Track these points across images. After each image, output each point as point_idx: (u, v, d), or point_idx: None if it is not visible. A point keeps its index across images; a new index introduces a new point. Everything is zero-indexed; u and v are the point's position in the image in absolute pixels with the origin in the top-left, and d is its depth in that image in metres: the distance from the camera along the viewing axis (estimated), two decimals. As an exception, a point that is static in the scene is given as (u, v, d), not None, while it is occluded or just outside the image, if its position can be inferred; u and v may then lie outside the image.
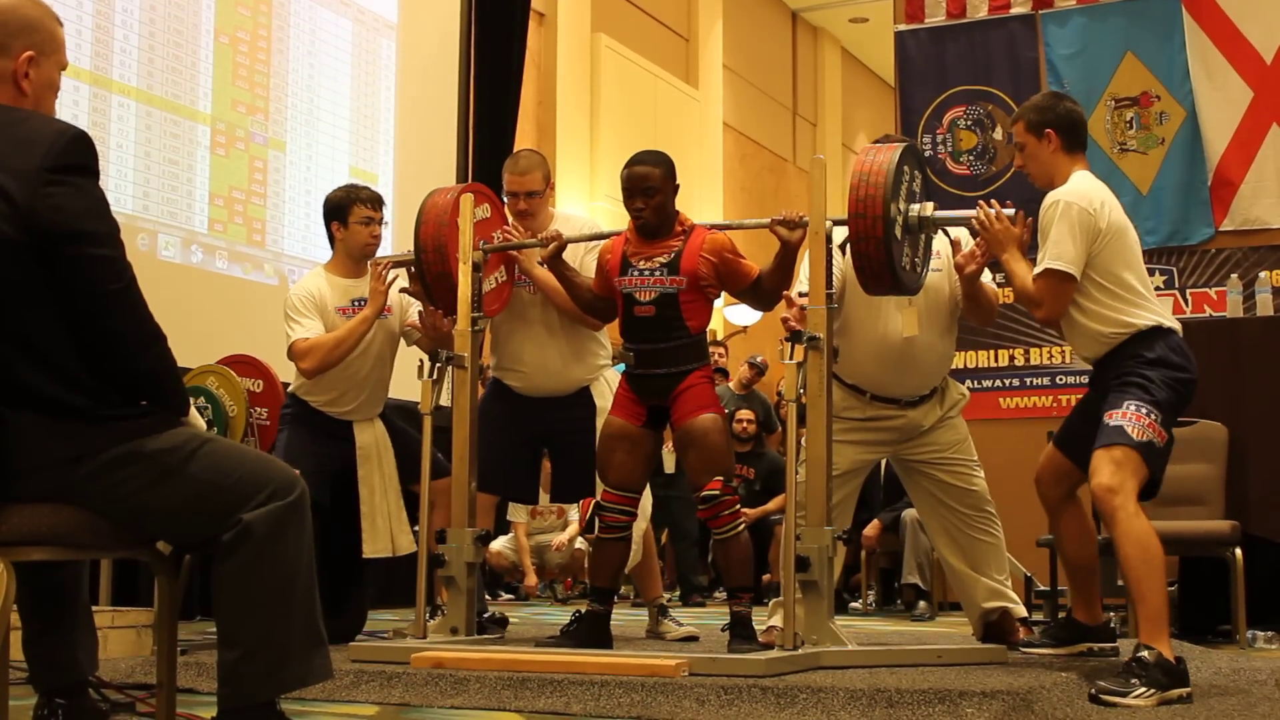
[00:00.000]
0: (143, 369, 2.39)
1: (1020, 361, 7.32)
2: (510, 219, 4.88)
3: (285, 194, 7.37)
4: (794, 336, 3.94)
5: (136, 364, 2.37)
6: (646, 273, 4.22)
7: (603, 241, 4.55)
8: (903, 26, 7.90)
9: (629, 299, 4.25)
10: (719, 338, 12.92)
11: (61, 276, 2.30)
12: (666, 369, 4.22)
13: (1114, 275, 3.77)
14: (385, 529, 4.82)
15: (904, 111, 7.88)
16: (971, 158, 7.62)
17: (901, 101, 7.91)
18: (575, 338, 4.83)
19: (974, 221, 3.99)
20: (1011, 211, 3.96)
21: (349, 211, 4.86)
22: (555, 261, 4.48)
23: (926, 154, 7.71)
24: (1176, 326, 3.80)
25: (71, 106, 6.07)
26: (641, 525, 5.06)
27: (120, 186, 6.35)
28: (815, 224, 4.00)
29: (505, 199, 4.85)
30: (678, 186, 4.32)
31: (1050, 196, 3.80)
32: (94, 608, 3.06)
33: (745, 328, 13.88)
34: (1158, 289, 7.09)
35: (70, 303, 2.31)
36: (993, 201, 4.00)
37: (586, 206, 11.75)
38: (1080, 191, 3.79)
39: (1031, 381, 7.37)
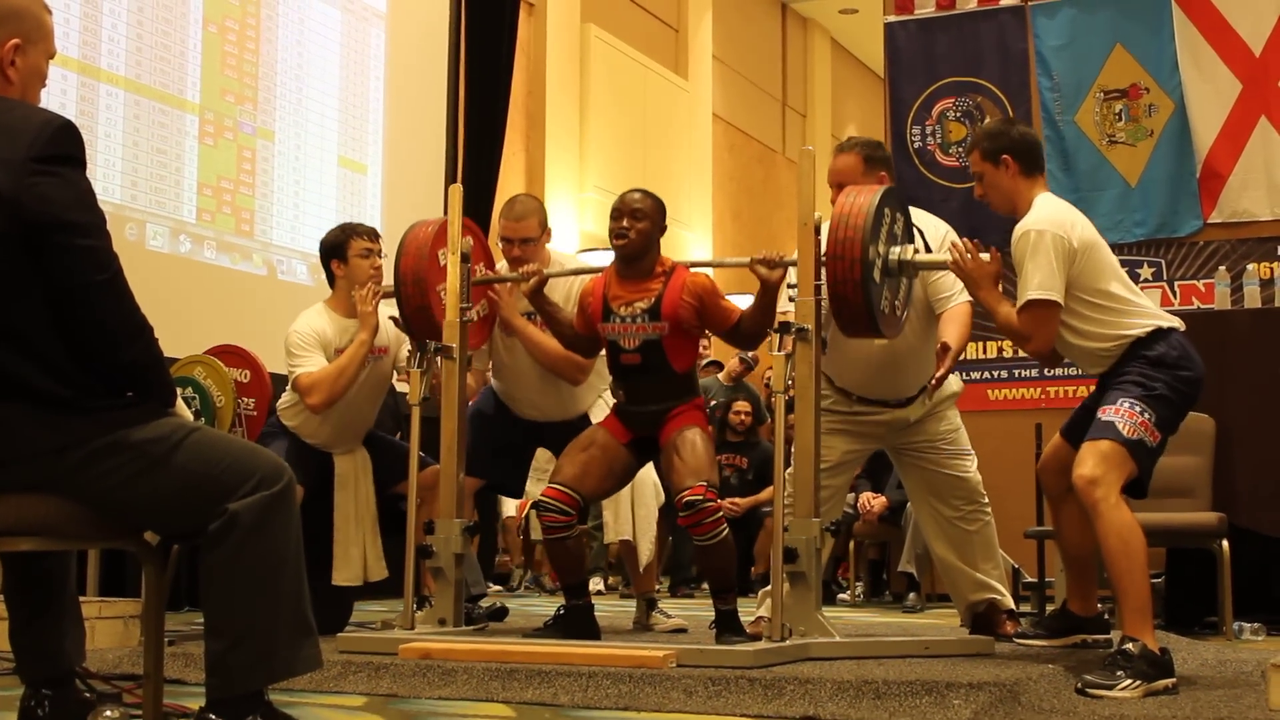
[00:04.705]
0: (128, 360, 2.38)
1: (1009, 353, 7.32)
2: (499, 263, 4.84)
3: (274, 184, 7.35)
4: (782, 328, 3.94)
5: (122, 355, 2.37)
6: (628, 319, 4.21)
7: (586, 278, 4.53)
8: (892, 18, 7.88)
9: (614, 345, 4.27)
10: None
11: (47, 267, 2.29)
12: (655, 405, 4.24)
13: (1099, 290, 3.75)
14: (358, 557, 4.78)
15: (893, 103, 7.86)
16: (961, 149, 7.60)
17: (891, 93, 7.90)
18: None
19: (949, 263, 3.94)
20: (987, 257, 3.87)
21: (346, 246, 4.81)
22: (536, 296, 4.42)
23: (916, 145, 7.71)
24: (1176, 324, 3.78)
25: (59, 95, 6.05)
26: (653, 524, 5.06)
27: (108, 176, 6.33)
28: (804, 215, 3.99)
29: (500, 244, 4.79)
30: (665, 229, 4.31)
31: (1020, 227, 3.76)
32: (81, 598, 3.05)
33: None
34: (1146, 281, 7.10)
35: (56, 293, 2.30)
36: (966, 241, 3.93)
37: (575, 197, 11.70)
38: (1048, 217, 3.76)
39: (1019, 373, 7.37)
